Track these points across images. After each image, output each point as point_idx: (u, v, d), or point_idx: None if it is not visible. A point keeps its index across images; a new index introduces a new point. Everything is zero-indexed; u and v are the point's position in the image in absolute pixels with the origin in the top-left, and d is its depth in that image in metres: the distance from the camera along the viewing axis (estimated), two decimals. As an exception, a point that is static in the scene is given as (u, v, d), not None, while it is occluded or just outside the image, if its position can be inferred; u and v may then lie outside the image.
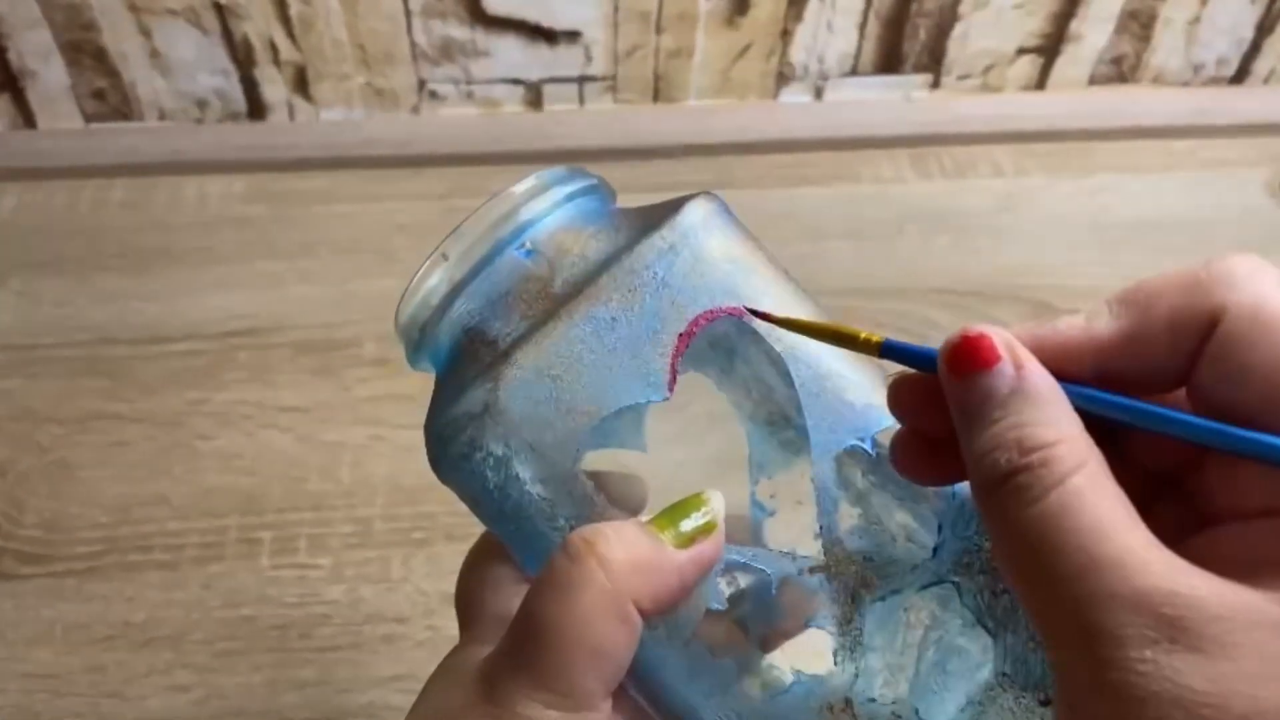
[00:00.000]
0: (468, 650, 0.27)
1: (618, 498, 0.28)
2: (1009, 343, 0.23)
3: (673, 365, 0.26)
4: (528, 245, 0.28)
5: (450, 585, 0.49)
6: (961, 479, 0.24)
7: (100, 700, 0.45)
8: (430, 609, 0.48)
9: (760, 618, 0.30)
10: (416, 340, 0.28)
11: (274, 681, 0.46)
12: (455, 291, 0.28)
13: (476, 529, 0.55)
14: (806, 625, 0.27)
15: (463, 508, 0.51)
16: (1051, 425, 0.22)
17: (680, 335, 0.26)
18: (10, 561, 0.49)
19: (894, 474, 0.27)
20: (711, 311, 0.27)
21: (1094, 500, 0.21)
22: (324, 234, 0.65)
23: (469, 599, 0.30)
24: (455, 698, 0.25)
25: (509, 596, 0.29)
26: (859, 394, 0.27)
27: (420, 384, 0.55)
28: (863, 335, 0.25)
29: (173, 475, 0.53)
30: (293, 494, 0.52)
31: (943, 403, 0.24)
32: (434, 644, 0.47)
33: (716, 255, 0.27)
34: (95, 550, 0.50)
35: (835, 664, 0.26)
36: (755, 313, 0.27)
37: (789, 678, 0.27)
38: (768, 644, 0.30)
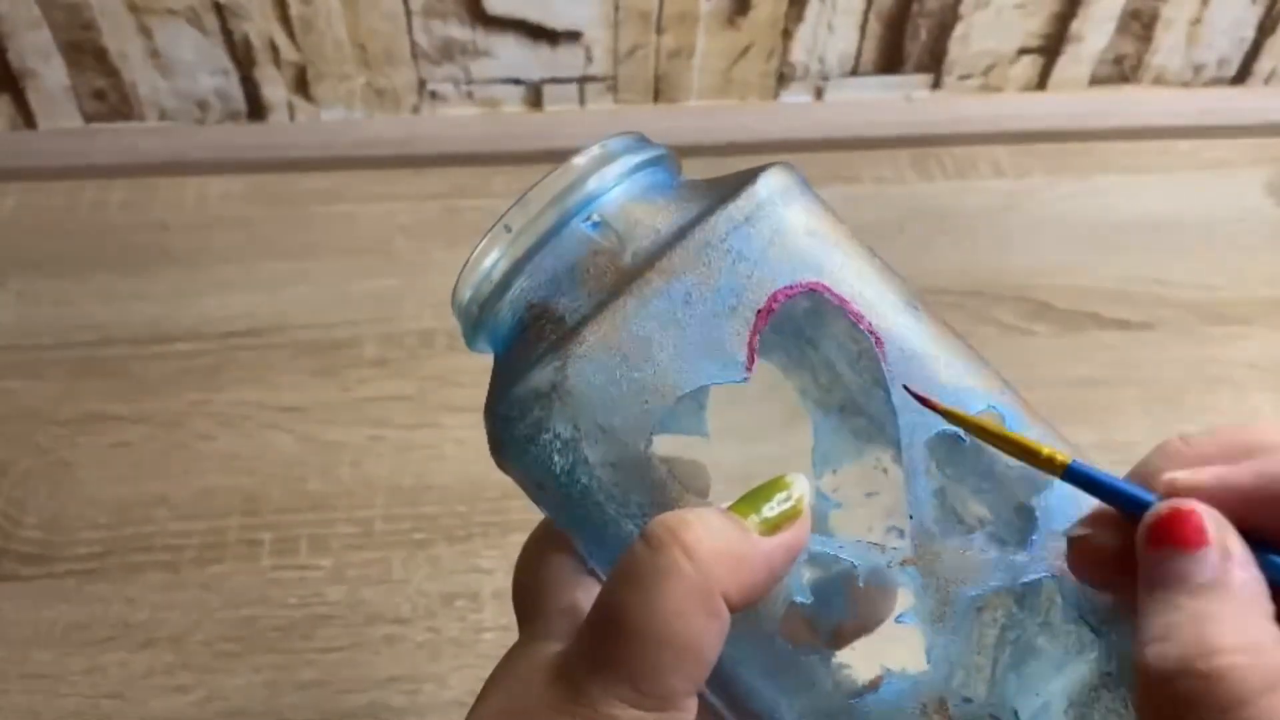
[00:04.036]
0: (532, 647, 0.25)
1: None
2: (1221, 527, 0.20)
3: (751, 344, 0.25)
4: (595, 217, 0.26)
5: (451, 586, 0.49)
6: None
7: (100, 701, 0.45)
8: (431, 610, 0.48)
9: (831, 613, 0.28)
10: (476, 318, 0.27)
11: (275, 682, 0.46)
12: (519, 265, 0.26)
13: (477, 530, 0.55)
14: (896, 620, 0.25)
15: (461, 508, 0.51)
16: (1242, 631, 0.19)
17: (759, 312, 0.25)
18: (10, 562, 0.49)
19: (974, 463, 0.25)
20: (792, 286, 0.25)
21: None
22: (324, 234, 0.65)
23: (529, 592, 0.28)
24: (527, 697, 0.23)
25: (573, 589, 0.27)
26: (950, 376, 0.25)
27: (421, 385, 0.55)
28: (1045, 452, 0.23)
29: (173, 476, 0.53)
30: (293, 494, 0.52)
31: (1130, 567, 0.21)
32: (435, 645, 0.47)
33: (796, 228, 0.26)
34: (96, 551, 0.50)
35: (928, 662, 0.25)
36: (917, 396, 0.24)
37: (862, 677, 0.25)
38: (835, 641, 0.28)
